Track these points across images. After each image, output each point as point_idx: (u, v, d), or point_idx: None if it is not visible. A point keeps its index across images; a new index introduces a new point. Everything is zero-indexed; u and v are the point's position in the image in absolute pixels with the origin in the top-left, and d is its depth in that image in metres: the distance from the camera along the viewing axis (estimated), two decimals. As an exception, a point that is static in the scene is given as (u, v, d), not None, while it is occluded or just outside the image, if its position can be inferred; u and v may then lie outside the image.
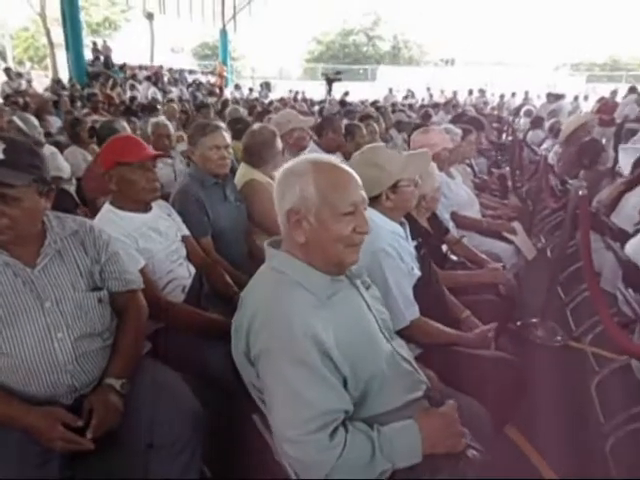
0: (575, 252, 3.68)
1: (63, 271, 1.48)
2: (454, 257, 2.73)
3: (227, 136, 2.50)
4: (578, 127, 5.18)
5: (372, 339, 1.30)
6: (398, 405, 1.28)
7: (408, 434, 1.21)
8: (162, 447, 1.46)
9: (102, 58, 17.60)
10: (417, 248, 2.05)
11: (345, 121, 4.66)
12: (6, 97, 8.23)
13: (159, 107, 7.61)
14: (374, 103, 11.69)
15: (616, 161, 4.88)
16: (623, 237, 2.72)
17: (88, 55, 17.15)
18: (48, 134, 5.52)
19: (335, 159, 1.31)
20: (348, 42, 41.82)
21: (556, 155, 5.64)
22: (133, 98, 10.24)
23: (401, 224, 1.98)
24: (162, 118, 4.44)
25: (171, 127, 4.13)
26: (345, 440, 1.13)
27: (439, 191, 2.53)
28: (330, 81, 16.59)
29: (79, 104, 9.32)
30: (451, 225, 3.04)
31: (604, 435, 2.20)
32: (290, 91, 17.71)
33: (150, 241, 1.98)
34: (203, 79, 20.77)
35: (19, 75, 14.01)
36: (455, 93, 17.34)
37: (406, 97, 18.68)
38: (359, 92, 18.80)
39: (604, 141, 6.03)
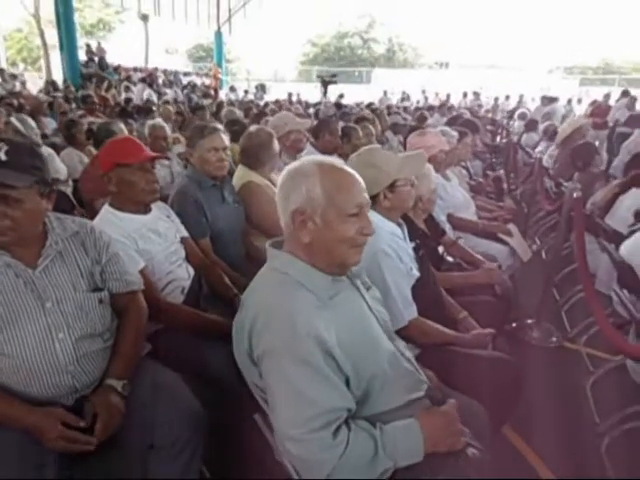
0: (570, 254, 3.71)
1: (64, 272, 1.48)
2: (450, 258, 2.75)
3: (225, 138, 2.51)
4: (575, 130, 5.23)
5: (373, 339, 1.31)
6: (400, 404, 1.30)
7: (410, 433, 1.22)
8: (162, 448, 1.47)
9: (96, 60, 17.55)
10: (415, 249, 2.07)
11: (341, 123, 4.68)
12: (0, 99, 8.18)
13: (154, 109, 7.59)
14: (369, 105, 11.73)
15: (609, 164, 4.93)
16: (617, 239, 2.75)
17: (82, 57, 17.10)
18: (44, 136, 5.50)
19: (340, 161, 1.32)
20: (343, 44, 41.96)
21: (551, 158, 5.68)
22: (129, 100, 10.21)
23: (399, 225, 2.01)
24: (159, 120, 4.44)
25: (168, 129, 4.13)
26: (348, 439, 1.14)
27: (435, 193, 2.55)
28: (325, 83, 16.64)
29: (74, 106, 9.30)
30: (447, 227, 3.06)
31: (599, 435, 2.22)
32: (290, 94, 17.71)
33: (149, 242, 1.98)
34: (198, 81, 20.77)
35: (13, 77, 13.95)
36: (448, 96, 17.40)
37: (402, 100, 18.75)
38: (354, 94, 18.86)
39: (597, 144, 6.08)
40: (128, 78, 16.31)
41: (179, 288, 2.07)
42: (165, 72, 19.70)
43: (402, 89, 20.59)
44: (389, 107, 11.68)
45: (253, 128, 2.95)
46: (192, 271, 2.17)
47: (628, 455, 2.10)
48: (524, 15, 42.12)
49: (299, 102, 15.33)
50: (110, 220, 1.93)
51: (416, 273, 1.95)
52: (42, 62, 21.35)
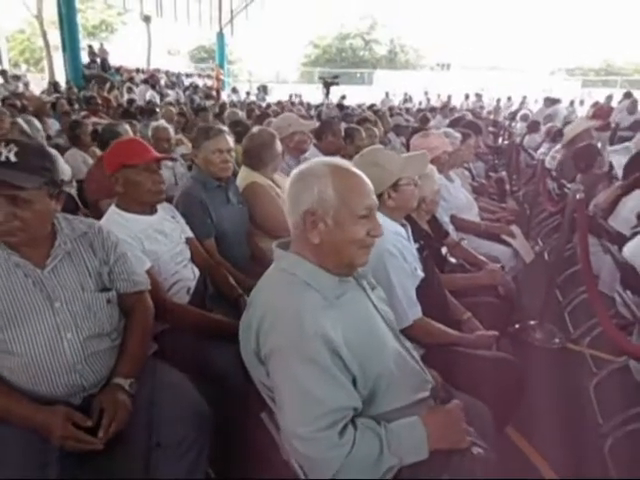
0: (572, 255, 3.72)
1: (72, 272, 1.49)
2: (453, 259, 2.76)
3: (230, 140, 2.52)
4: (581, 132, 5.22)
5: (380, 338, 1.32)
6: (406, 404, 1.31)
7: (414, 430, 1.23)
8: (168, 447, 1.47)
9: (99, 61, 17.59)
10: (419, 250, 2.08)
11: (343, 125, 4.69)
12: (3, 100, 8.21)
13: (158, 110, 7.61)
14: (371, 107, 11.74)
15: (612, 165, 4.92)
16: (621, 240, 2.76)
17: (85, 58, 17.14)
18: (47, 137, 5.52)
19: (349, 163, 1.34)
20: (345, 46, 42.01)
21: (553, 159, 5.68)
22: (132, 101, 10.23)
23: (403, 226, 2.02)
24: (162, 122, 4.46)
25: (171, 130, 4.15)
26: (354, 438, 1.15)
27: (439, 194, 2.56)
28: (328, 85, 16.65)
29: (77, 107, 9.32)
30: (450, 228, 3.07)
31: (603, 436, 2.22)
32: (291, 96, 17.74)
33: (155, 243, 1.99)
34: (200, 82, 20.79)
35: (17, 78, 13.98)
36: (450, 97, 17.41)
37: (405, 101, 18.77)
38: (356, 96, 18.85)
39: (599, 145, 6.08)
40: (131, 79, 16.35)
41: (185, 288, 2.08)
42: (167, 73, 19.73)
43: (404, 90, 20.63)
44: (391, 108, 11.68)
45: (255, 129, 2.97)
46: (197, 271, 2.18)
47: (631, 456, 2.11)
48: (526, 16, 42.15)
49: (301, 103, 15.36)
50: (116, 221, 1.94)
51: (420, 273, 1.97)
52: (45, 63, 21.39)
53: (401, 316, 1.76)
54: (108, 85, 13.83)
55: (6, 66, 20.20)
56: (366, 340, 1.26)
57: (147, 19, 21.99)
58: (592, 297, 2.54)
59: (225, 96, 17.96)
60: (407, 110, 12.95)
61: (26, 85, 13.98)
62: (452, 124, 5.30)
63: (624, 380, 2.50)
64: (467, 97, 18.19)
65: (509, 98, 17.80)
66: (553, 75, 33.92)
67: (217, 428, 1.59)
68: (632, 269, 2.34)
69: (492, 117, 13.57)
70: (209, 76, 22.45)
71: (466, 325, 2.15)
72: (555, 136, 6.74)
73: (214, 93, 18.18)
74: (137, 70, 18.71)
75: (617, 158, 4.57)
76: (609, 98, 12.73)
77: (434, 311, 1.97)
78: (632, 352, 2.24)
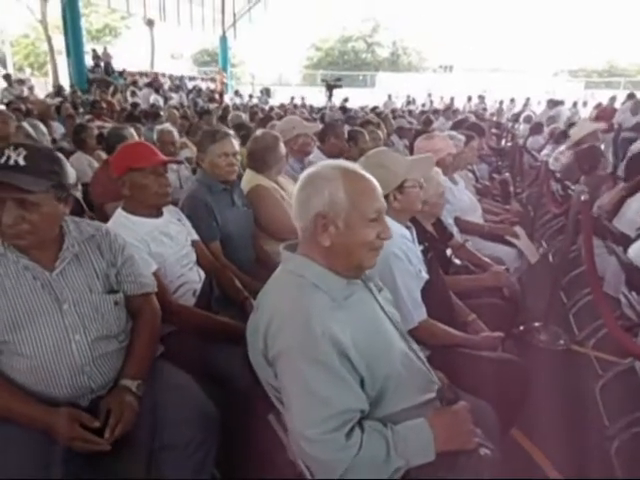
0: (577, 257, 3.71)
1: (80, 274, 1.51)
2: (458, 261, 2.76)
3: (236, 143, 2.53)
4: (588, 134, 5.22)
5: (387, 340, 1.32)
6: (413, 404, 1.31)
7: (421, 432, 1.23)
8: (175, 448, 1.48)
9: (102, 65, 17.67)
10: (424, 252, 2.08)
11: (347, 127, 4.71)
12: (8, 104, 8.26)
13: (162, 113, 7.64)
14: (374, 109, 11.75)
15: (615, 166, 4.92)
16: (625, 241, 2.76)
17: (88, 62, 17.21)
18: (53, 140, 5.55)
19: (359, 166, 1.34)
20: (347, 48, 42.05)
21: (557, 161, 5.67)
22: (135, 105, 10.27)
23: (407, 228, 2.03)
24: (167, 125, 4.49)
25: (176, 134, 4.17)
26: (361, 440, 1.16)
27: (443, 197, 2.56)
28: (330, 87, 16.65)
29: (81, 110, 9.37)
30: (455, 230, 3.07)
31: (609, 438, 2.22)
32: (293, 98, 17.76)
33: (161, 245, 2.01)
34: (203, 85, 20.85)
35: (21, 82, 14.05)
36: (452, 99, 17.41)
37: (408, 103, 18.78)
38: (358, 98, 18.88)
39: (603, 147, 6.08)
40: (134, 83, 16.42)
41: (191, 291, 2.09)
42: (171, 77, 19.80)
43: (406, 93, 20.63)
44: (394, 111, 11.70)
45: (259, 132, 2.98)
46: (203, 274, 2.19)
47: (638, 458, 2.10)
48: (528, 18, 42.16)
49: (303, 106, 15.38)
50: (123, 224, 1.95)
51: (425, 275, 1.97)
52: (49, 67, 21.49)
53: (406, 318, 1.77)
54: (112, 89, 13.88)
55: (11, 70, 20.35)
56: (374, 341, 1.26)
57: (150, 23, 22.06)
58: (597, 298, 2.54)
59: (228, 99, 18.00)
60: (410, 112, 12.96)
61: (31, 89, 14.05)
62: (455, 126, 5.31)
63: (630, 382, 2.50)
64: (470, 99, 18.18)
65: (512, 100, 17.79)
66: (556, 76, 33.90)
67: (222, 430, 1.60)
68: (637, 270, 2.35)
69: (495, 119, 13.56)
70: (212, 79, 22.51)
71: (471, 327, 2.15)
72: (558, 137, 6.75)
73: (217, 96, 18.24)
74: (140, 74, 18.78)
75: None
76: (612, 99, 12.68)
77: (439, 313, 1.97)
78: (638, 354, 2.24)
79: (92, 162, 4.22)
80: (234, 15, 24.91)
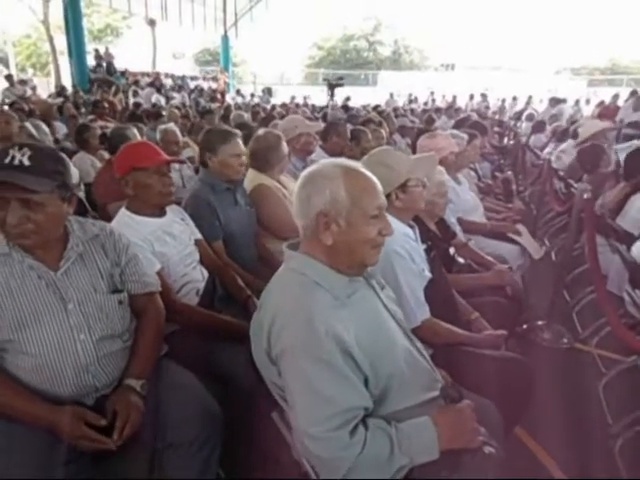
0: (580, 255, 3.71)
1: (85, 274, 1.51)
2: (461, 260, 2.76)
3: (241, 143, 2.54)
4: (595, 133, 5.20)
5: (390, 337, 1.33)
6: (416, 402, 1.31)
7: (425, 430, 1.23)
8: (179, 447, 1.49)
9: (104, 65, 17.68)
10: (427, 251, 2.08)
11: (349, 126, 4.70)
12: (11, 104, 8.27)
13: (164, 113, 7.64)
14: (376, 108, 11.73)
15: (618, 164, 4.89)
16: (629, 239, 2.75)
17: (90, 62, 17.23)
18: (55, 140, 5.56)
19: (358, 164, 1.35)
20: (349, 47, 42.02)
21: (559, 159, 5.66)
22: (138, 104, 10.28)
23: (410, 226, 2.03)
24: (171, 124, 4.49)
25: (179, 133, 4.17)
26: (365, 438, 1.16)
27: (447, 196, 2.56)
28: (332, 86, 16.66)
29: (83, 110, 9.38)
30: (458, 229, 3.07)
31: (613, 436, 2.22)
32: (293, 97, 17.75)
33: (165, 245, 2.01)
34: (204, 85, 20.85)
35: (23, 82, 14.07)
36: (455, 98, 17.37)
37: (410, 102, 18.75)
38: (360, 97, 18.86)
39: (606, 145, 6.06)
40: (136, 82, 16.42)
41: (194, 290, 2.10)
42: (173, 77, 19.80)
43: (408, 91, 20.60)
44: (396, 109, 11.67)
45: (261, 131, 2.98)
46: (206, 273, 2.20)
47: (642, 457, 2.10)
48: (530, 16, 42.05)
49: (305, 105, 15.37)
50: (127, 223, 1.96)
51: (428, 274, 1.97)
52: (51, 67, 21.52)
53: (409, 316, 1.77)
54: (114, 88, 13.88)
55: (13, 71, 20.37)
56: (377, 339, 1.27)
57: (152, 23, 22.07)
58: (600, 297, 2.54)
59: (229, 98, 18.00)
60: (412, 111, 12.93)
61: (33, 89, 14.06)
62: (458, 125, 5.31)
63: (633, 380, 2.49)
64: (472, 97, 18.14)
65: (514, 98, 17.75)
66: (558, 74, 33.79)
67: (226, 428, 1.60)
68: (641, 268, 2.34)
69: (497, 117, 13.54)
70: (214, 79, 22.51)
71: (474, 325, 2.15)
72: (561, 136, 6.73)
73: (219, 96, 18.23)
74: (142, 73, 18.80)
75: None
76: (615, 97, 12.65)
77: (442, 311, 1.97)
78: (642, 351, 2.23)
79: (95, 162, 4.23)
80: (235, 14, 24.92)
